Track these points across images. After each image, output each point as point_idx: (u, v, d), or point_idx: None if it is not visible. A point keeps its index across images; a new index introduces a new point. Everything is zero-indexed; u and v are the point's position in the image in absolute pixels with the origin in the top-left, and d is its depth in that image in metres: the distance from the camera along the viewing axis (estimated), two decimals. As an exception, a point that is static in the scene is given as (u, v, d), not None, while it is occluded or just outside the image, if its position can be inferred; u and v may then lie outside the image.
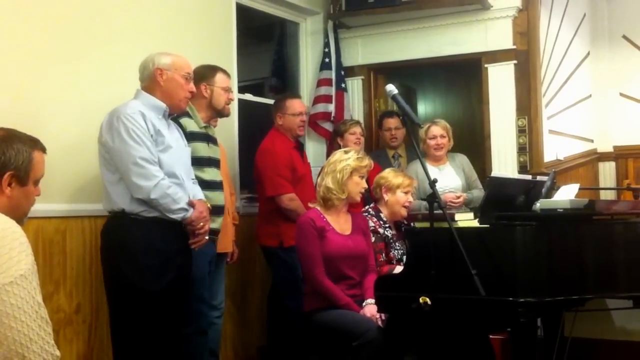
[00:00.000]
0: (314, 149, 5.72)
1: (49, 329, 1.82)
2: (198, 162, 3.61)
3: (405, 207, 3.98)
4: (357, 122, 5.14)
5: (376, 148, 5.85)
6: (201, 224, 3.25)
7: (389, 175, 4.04)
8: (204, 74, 3.79)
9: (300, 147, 4.62)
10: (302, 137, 4.78)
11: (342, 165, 3.65)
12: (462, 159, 4.90)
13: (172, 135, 3.31)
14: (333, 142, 5.25)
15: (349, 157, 3.68)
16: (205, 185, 3.60)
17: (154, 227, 3.16)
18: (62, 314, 3.47)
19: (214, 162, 3.79)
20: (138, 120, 3.12)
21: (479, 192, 4.69)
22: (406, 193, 3.98)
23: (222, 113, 3.90)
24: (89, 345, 3.59)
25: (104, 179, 3.22)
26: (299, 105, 4.56)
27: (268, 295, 4.65)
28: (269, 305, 4.63)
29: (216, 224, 3.68)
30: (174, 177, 3.20)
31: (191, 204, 3.22)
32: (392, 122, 5.28)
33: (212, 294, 3.90)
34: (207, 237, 3.36)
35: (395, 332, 3.38)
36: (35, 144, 2.11)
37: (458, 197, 4.57)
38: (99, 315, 3.63)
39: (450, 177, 4.68)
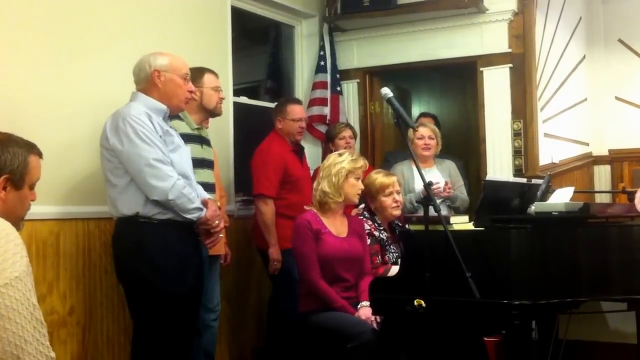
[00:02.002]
0: (309, 151, 5.69)
1: (44, 330, 1.82)
2: (191, 163, 3.61)
3: (394, 207, 3.94)
4: (347, 126, 5.11)
5: (372, 149, 5.87)
6: (216, 222, 3.22)
7: (368, 181, 3.95)
8: (192, 76, 3.75)
9: (299, 151, 4.63)
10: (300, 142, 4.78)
11: (337, 169, 3.65)
12: (450, 164, 4.89)
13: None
14: (326, 146, 5.26)
15: (344, 160, 3.69)
16: (198, 186, 3.60)
17: (168, 229, 3.10)
18: (56, 315, 3.45)
19: (207, 164, 3.78)
20: (145, 121, 3.04)
21: (463, 197, 4.75)
22: (389, 195, 3.93)
23: (214, 113, 3.89)
24: (83, 347, 3.59)
25: (110, 184, 3.13)
26: (300, 111, 4.58)
27: (269, 297, 4.65)
28: (269, 307, 4.63)
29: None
30: (186, 177, 3.15)
31: (204, 203, 3.19)
32: (423, 121, 5.24)
33: (207, 297, 3.89)
34: (221, 235, 3.35)
35: (390, 335, 3.38)
36: (31, 148, 2.11)
37: (447, 187, 4.54)
38: (92, 317, 3.63)
39: (435, 179, 4.65)
